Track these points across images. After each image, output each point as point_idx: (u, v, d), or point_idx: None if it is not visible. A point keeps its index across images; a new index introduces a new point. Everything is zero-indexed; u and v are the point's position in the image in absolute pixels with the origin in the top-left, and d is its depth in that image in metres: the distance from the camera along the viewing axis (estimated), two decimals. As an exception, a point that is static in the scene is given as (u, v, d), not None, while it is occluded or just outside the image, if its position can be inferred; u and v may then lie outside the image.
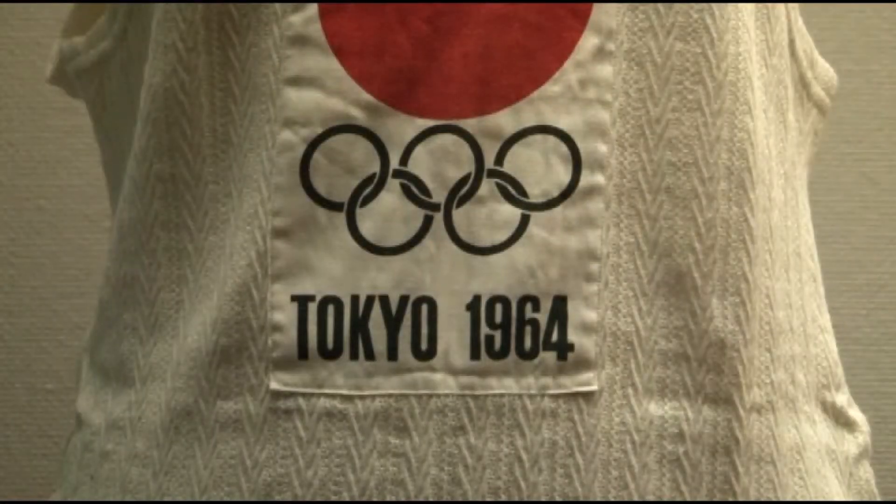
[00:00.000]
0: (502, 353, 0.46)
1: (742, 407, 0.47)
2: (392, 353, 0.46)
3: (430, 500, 0.45)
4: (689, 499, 0.46)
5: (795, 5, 0.53)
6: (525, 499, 0.45)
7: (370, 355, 0.46)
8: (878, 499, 0.54)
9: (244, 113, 0.48)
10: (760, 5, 0.49)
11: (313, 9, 0.46)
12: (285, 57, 0.46)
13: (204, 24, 0.48)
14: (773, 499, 0.48)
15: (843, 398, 0.55)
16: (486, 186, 0.46)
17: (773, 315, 0.50)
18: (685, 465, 0.47)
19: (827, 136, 0.59)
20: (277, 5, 0.46)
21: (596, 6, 0.46)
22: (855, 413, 0.56)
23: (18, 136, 1.01)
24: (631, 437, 0.47)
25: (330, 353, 0.46)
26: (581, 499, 0.46)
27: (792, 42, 0.53)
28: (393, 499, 0.45)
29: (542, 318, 0.46)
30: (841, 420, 0.55)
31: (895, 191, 0.95)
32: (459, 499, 0.45)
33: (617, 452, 0.46)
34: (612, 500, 0.46)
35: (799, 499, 0.48)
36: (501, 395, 0.46)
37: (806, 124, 0.56)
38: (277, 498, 0.46)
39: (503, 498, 0.45)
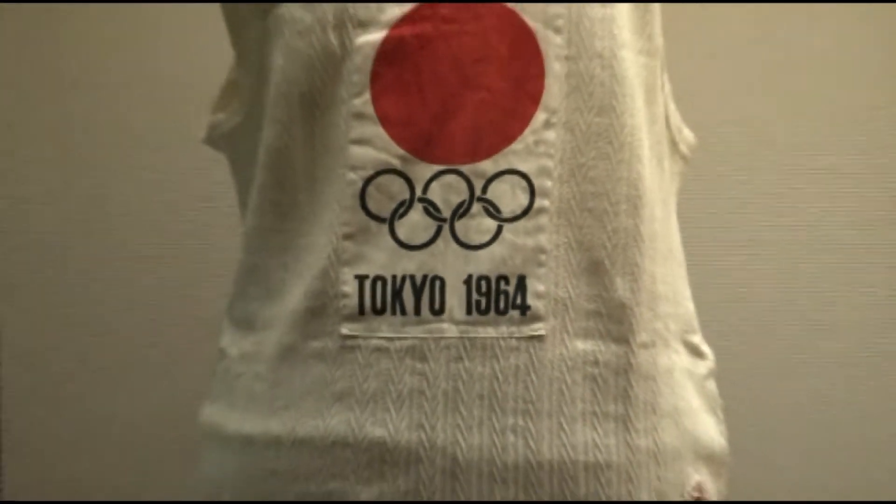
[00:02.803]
0: (486, 311, 0.67)
1: (635, 344, 0.68)
2: (417, 311, 0.67)
3: (440, 402, 0.66)
4: (600, 400, 0.68)
5: (668, 92, 0.75)
6: (499, 401, 0.66)
7: (404, 312, 0.67)
8: (720, 402, 0.77)
9: (324, 162, 0.69)
10: (647, 93, 0.72)
11: (368, 94, 0.68)
12: (350, 127, 0.68)
13: (299, 106, 0.69)
14: (653, 401, 0.69)
15: (697, 338, 0.76)
16: (476, 207, 0.67)
17: (655, 288, 0.71)
18: (598, 381, 0.68)
19: (692, 173, 0.83)
20: (345, 92, 0.67)
21: (545, 92, 0.67)
22: (705, 347, 0.77)
23: (188, 167, 1.14)
24: (566, 363, 0.67)
25: (378, 311, 0.67)
26: (534, 401, 0.66)
27: (667, 118, 0.75)
28: (417, 402, 0.66)
29: (511, 289, 0.66)
30: (695, 352, 0.75)
31: (744, 199, 1.18)
32: (459, 400, 0.66)
33: (557, 372, 0.67)
34: (553, 401, 0.66)
35: (667, 400, 0.70)
36: (485, 338, 0.66)
37: (675, 169, 0.77)
38: (344, 401, 0.67)
39: (486, 402, 0.66)
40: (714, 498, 0.75)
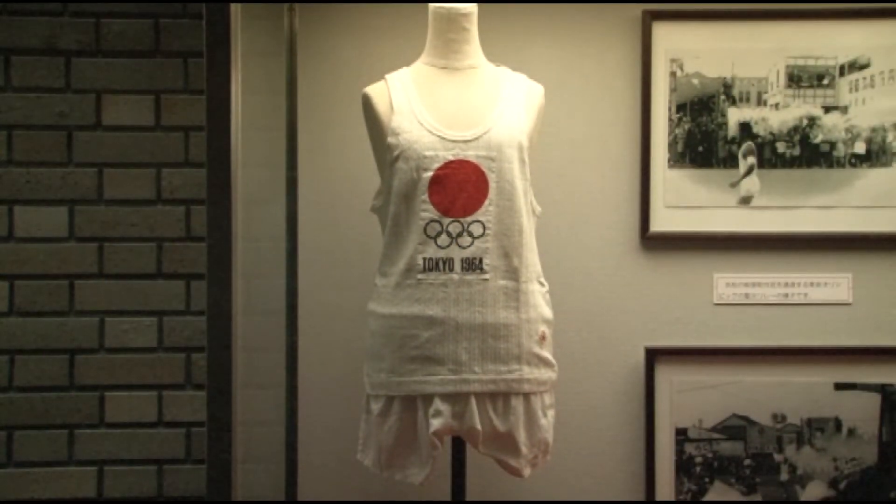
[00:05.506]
0: (469, 270, 1.97)
1: (521, 281, 2.00)
2: (444, 270, 1.96)
3: (452, 302, 1.99)
4: (508, 301, 2.01)
5: (532, 193, 2.07)
6: (473, 302, 1.98)
7: (440, 270, 1.97)
8: (550, 301, 2.11)
9: (411, 217, 1.98)
10: (524, 193, 2.04)
11: (427, 193, 1.97)
12: (421, 205, 1.97)
13: (403, 198, 1.98)
14: (527, 301, 2.00)
15: (542, 279, 2.07)
16: (464, 233, 1.97)
17: (528, 261, 2.02)
18: (508, 294, 1.99)
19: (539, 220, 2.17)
20: (419, 192, 1.98)
21: (488, 193, 2.00)
22: (544, 282, 2.07)
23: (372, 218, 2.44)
24: (496, 288, 1.98)
25: (430, 270, 1.97)
26: (485, 301, 2.00)
27: (531, 201, 2.06)
28: (443, 302, 1.99)
29: (477, 262, 1.98)
30: (541, 284, 2.07)
31: (554, 227, 2.54)
32: (458, 302, 2.01)
33: (493, 291, 1.98)
34: (491, 301, 2.02)
35: (531, 301, 2.04)
36: (468, 279, 1.98)
37: (533, 220, 2.07)
38: (419, 302, 1.99)
39: (468, 302, 1.97)
40: (549, 338, 2.08)
